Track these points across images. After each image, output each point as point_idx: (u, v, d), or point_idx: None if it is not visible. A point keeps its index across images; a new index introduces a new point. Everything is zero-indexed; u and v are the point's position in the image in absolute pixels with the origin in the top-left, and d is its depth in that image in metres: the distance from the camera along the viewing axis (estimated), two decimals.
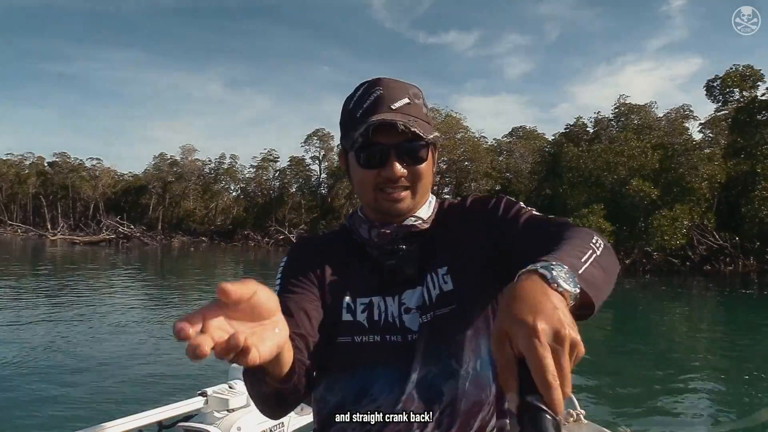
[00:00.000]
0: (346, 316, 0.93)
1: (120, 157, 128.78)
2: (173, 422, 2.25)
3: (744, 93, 27.47)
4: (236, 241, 47.02)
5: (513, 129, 44.28)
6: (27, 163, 64.94)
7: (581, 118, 36.53)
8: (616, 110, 33.78)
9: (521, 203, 0.96)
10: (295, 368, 0.77)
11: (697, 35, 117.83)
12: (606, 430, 2.11)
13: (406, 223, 0.95)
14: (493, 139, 43.50)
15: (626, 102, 33.57)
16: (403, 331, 0.91)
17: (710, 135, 31.73)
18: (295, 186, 50.69)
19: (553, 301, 0.57)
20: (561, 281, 0.60)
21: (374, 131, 0.87)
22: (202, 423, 2.27)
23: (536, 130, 42.73)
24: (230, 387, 2.43)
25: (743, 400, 6.48)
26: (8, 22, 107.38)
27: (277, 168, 51.86)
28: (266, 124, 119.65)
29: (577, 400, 2.17)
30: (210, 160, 56.31)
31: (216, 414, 2.32)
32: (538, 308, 0.55)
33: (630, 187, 25.07)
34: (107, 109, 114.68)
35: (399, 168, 0.89)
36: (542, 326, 0.53)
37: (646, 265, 25.27)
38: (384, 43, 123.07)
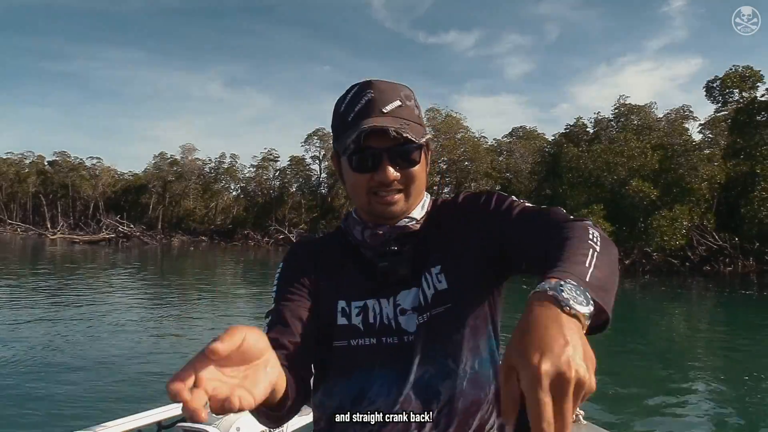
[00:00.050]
0: (342, 320, 0.93)
1: (120, 156, 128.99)
2: (172, 422, 2.25)
3: (743, 94, 27.48)
4: (236, 241, 47.01)
5: (513, 129, 44.37)
6: (27, 161, 64.98)
7: (581, 118, 36.62)
8: (616, 110, 33.81)
9: (513, 197, 0.95)
10: (288, 394, 0.79)
11: (697, 36, 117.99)
12: (605, 430, 2.12)
13: (398, 224, 0.95)
14: (493, 139, 43.63)
15: (626, 102, 33.62)
16: (399, 333, 0.91)
17: (710, 136, 31.75)
18: (296, 185, 50.71)
19: (565, 333, 0.55)
20: (573, 303, 0.59)
21: (366, 136, 0.87)
22: (201, 423, 2.27)
23: (536, 131, 42.79)
24: None
25: (743, 400, 6.48)
26: (9, 21, 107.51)
27: (278, 167, 51.96)
28: (266, 123, 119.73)
29: None
30: (210, 160, 56.44)
31: (213, 415, 2.32)
32: (545, 346, 0.54)
33: (630, 188, 25.08)
34: (107, 108, 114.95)
35: (392, 171, 0.89)
36: (546, 368, 0.52)
37: (645, 266, 25.27)
38: (384, 42, 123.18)
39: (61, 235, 46.84)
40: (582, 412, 2.13)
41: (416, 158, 0.91)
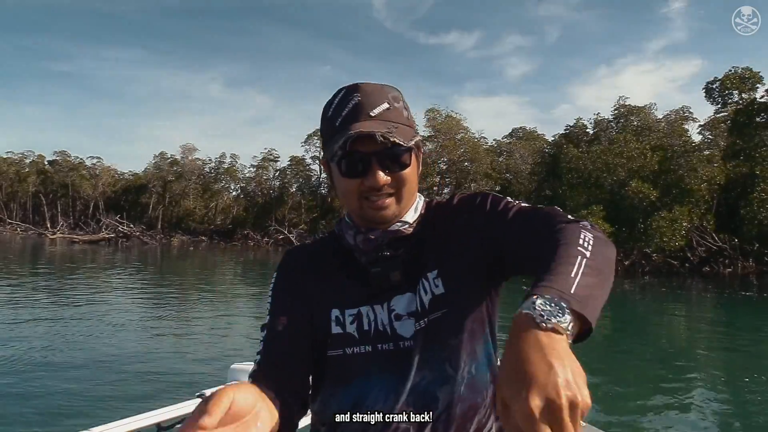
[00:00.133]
0: (336, 329, 0.92)
1: (120, 155, 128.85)
2: (171, 424, 2.24)
3: (743, 95, 27.49)
4: (236, 241, 47.01)
5: (513, 130, 44.36)
6: (27, 161, 64.95)
7: (581, 119, 36.64)
8: (616, 111, 33.82)
9: (508, 198, 0.94)
10: (283, 428, 0.81)
11: (697, 37, 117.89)
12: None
13: (391, 228, 0.93)
14: (493, 140, 43.60)
15: (626, 103, 33.63)
16: (394, 339, 0.90)
17: (709, 137, 31.77)
18: (295, 186, 50.67)
19: (548, 356, 0.56)
20: (549, 317, 0.60)
21: (354, 141, 0.85)
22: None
23: (536, 131, 42.78)
24: None
25: (743, 401, 6.49)
26: (10, 21, 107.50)
27: (278, 168, 51.91)
28: (267, 123, 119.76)
29: None
30: (210, 160, 56.40)
31: None
32: (530, 378, 0.54)
33: (629, 189, 25.10)
34: (108, 107, 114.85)
35: (382, 176, 0.87)
36: (535, 403, 0.53)
37: (645, 267, 25.29)
38: (385, 43, 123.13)
39: (61, 235, 46.83)
40: None
41: (406, 161, 0.89)
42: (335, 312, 0.93)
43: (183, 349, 8.21)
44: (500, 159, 40.44)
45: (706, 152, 27.60)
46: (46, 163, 64.00)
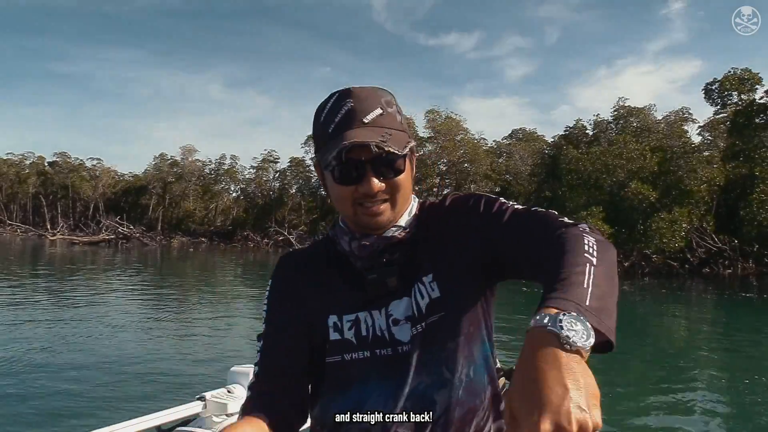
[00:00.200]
0: (334, 336, 0.92)
1: (120, 157, 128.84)
2: (171, 427, 2.25)
3: (742, 96, 27.49)
4: (236, 242, 46.98)
5: (513, 131, 44.33)
6: (27, 162, 64.92)
7: (581, 120, 36.59)
8: (615, 113, 33.81)
9: (502, 199, 0.93)
10: None
11: (697, 38, 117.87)
12: None
13: (386, 234, 0.92)
14: (493, 141, 43.58)
15: (625, 105, 33.63)
16: (393, 344, 0.90)
17: (709, 138, 31.78)
18: (295, 187, 50.62)
19: (564, 378, 0.56)
20: (574, 338, 0.58)
21: (348, 150, 0.84)
22: (200, 428, 2.28)
23: (536, 132, 42.77)
24: (229, 391, 2.43)
25: (743, 403, 6.49)
26: (10, 21, 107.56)
27: (278, 169, 51.86)
28: (267, 124, 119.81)
29: None
30: (210, 161, 56.37)
31: (215, 419, 2.33)
32: (544, 400, 0.54)
33: (629, 190, 25.09)
34: (108, 108, 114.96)
35: (376, 183, 0.86)
36: (545, 427, 0.53)
37: (645, 268, 25.28)
38: (385, 44, 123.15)
39: (61, 236, 46.81)
40: None
41: (401, 166, 0.88)
42: (333, 318, 0.93)
43: (183, 350, 8.21)
44: (500, 160, 40.43)
45: (706, 153, 27.60)
46: (46, 164, 63.97)
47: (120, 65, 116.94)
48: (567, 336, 0.58)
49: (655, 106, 34.19)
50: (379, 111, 0.87)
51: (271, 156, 51.97)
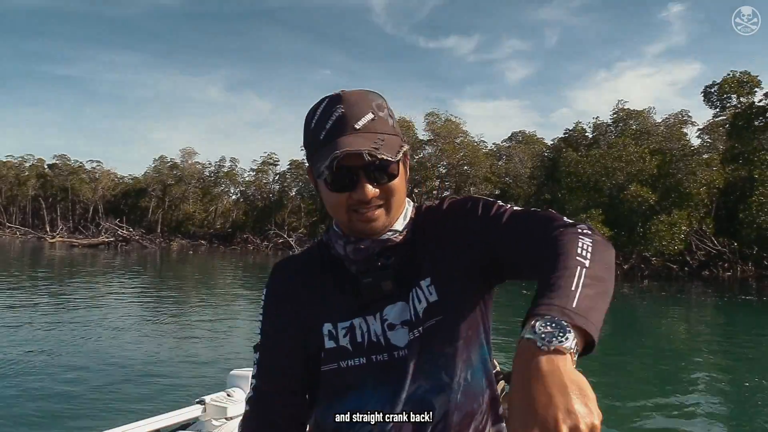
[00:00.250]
0: (329, 343, 0.92)
1: (120, 159, 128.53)
2: (171, 431, 2.25)
3: (741, 99, 27.55)
4: (235, 245, 46.97)
5: (512, 134, 44.43)
6: (27, 165, 64.95)
7: (580, 123, 36.76)
8: (615, 115, 33.88)
9: (499, 201, 0.93)
10: None
11: (696, 41, 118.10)
12: None
13: (381, 237, 0.91)
14: (493, 144, 43.62)
15: (625, 107, 33.70)
16: (389, 349, 0.90)
17: (708, 140, 31.87)
18: (295, 189, 50.64)
19: (549, 387, 0.57)
20: (553, 340, 0.60)
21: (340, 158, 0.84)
22: (200, 431, 2.28)
23: (535, 135, 42.86)
24: (228, 395, 2.43)
25: (743, 405, 6.49)
26: (10, 24, 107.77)
27: (277, 171, 51.92)
28: (267, 127, 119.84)
29: None
30: (210, 163, 56.44)
31: (214, 422, 2.32)
32: (531, 412, 0.56)
33: (628, 192, 25.13)
34: (108, 111, 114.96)
35: (370, 189, 0.85)
36: None
37: (644, 271, 25.29)
38: (384, 47, 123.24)
39: (61, 239, 46.78)
40: None
41: (394, 171, 0.87)
42: (328, 326, 0.92)
43: (182, 353, 8.20)
44: (499, 163, 40.49)
45: (705, 156, 27.65)
46: (46, 166, 64.03)
47: (120, 67, 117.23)
48: (542, 337, 0.60)
49: (654, 108, 34.26)
50: (370, 116, 0.86)
51: (270, 158, 52.04)
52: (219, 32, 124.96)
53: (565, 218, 0.83)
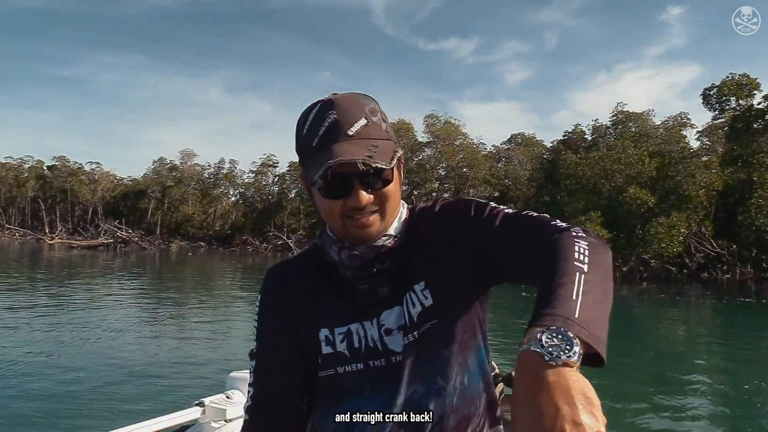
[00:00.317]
0: (326, 349, 0.91)
1: (119, 161, 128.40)
2: None
3: (740, 101, 27.60)
4: (234, 247, 46.95)
5: (512, 136, 44.48)
6: (26, 166, 64.95)
7: (579, 125, 36.76)
8: (614, 118, 33.93)
9: (492, 203, 0.92)
10: None
11: (696, 43, 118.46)
12: None
13: (376, 243, 0.91)
14: (492, 146, 43.62)
15: (624, 110, 33.75)
16: (386, 354, 0.89)
17: (707, 143, 31.91)
18: (294, 191, 50.62)
19: (554, 398, 0.57)
20: (561, 355, 0.60)
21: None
22: None
23: (535, 137, 42.89)
24: (228, 397, 2.43)
25: (742, 407, 6.49)
26: (10, 24, 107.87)
27: (277, 173, 51.97)
28: (266, 128, 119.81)
29: None
30: (209, 165, 56.48)
31: (213, 424, 2.32)
32: (538, 423, 0.56)
33: (627, 195, 25.13)
34: (107, 112, 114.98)
35: (365, 195, 0.85)
36: None
37: (643, 273, 25.30)
38: (384, 49, 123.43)
39: (60, 240, 46.74)
40: None
41: (388, 177, 0.86)
42: (324, 332, 0.92)
43: (181, 355, 8.19)
44: (499, 165, 40.50)
45: (704, 158, 27.67)
46: (45, 168, 64.00)
47: (120, 69, 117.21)
48: (549, 352, 0.59)
49: (653, 111, 34.53)
50: (363, 121, 0.84)
51: (270, 160, 52.09)
52: (219, 34, 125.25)
53: (558, 221, 0.83)
